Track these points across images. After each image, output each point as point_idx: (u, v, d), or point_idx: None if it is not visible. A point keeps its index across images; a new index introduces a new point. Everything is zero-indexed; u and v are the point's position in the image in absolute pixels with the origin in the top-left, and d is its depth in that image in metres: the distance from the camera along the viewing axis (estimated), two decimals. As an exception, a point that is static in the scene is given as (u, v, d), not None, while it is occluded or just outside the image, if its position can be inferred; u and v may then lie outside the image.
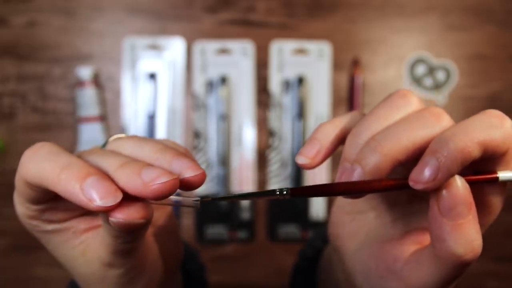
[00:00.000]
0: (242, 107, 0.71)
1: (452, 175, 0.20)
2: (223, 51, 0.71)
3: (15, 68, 0.70)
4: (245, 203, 0.71)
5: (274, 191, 0.21)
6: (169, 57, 0.71)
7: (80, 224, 0.24)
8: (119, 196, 0.19)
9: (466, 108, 0.73)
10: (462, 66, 0.73)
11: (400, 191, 0.21)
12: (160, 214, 0.29)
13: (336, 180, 0.22)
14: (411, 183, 0.20)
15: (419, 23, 0.73)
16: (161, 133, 0.70)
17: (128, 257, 0.24)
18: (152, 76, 0.70)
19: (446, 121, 0.22)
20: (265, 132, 0.71)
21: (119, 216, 0.19)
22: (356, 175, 0.21)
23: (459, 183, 0.20)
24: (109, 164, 0.20)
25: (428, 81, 0.73)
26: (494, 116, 0.22)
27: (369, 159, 0.21)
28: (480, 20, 0.73)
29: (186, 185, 0.21)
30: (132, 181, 0.19)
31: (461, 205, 0.20)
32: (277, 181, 0.71)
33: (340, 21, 0.72)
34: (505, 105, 0.73)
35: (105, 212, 0.19)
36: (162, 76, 0.71)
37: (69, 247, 0.24)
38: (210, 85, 0.71)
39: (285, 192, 0.21)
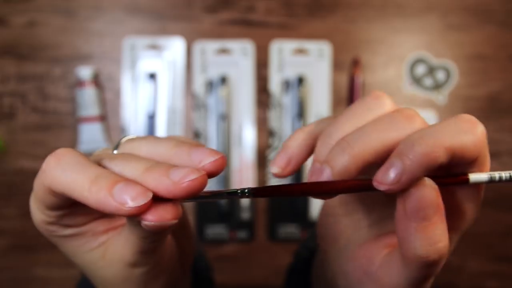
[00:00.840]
0: (242, 107, 0.71)
1: (416, 178, 0.20)
2: (223, 51, 0.71)
3: (15, 68, 0.70)
4: (245, 203, 0.71)
5: (235, 191, 0.21)
6: (169, 57, 0.71)
7: (98, 226, 0.24)
8: (150, 195, 0.19)
9: (466, 108, 0.73)
10: (462, 66, 0.73)
11: (370, 192, 0.21)
12: None
13: (307, 181, 0.22)
14: (375, 184, 0.20)
15: (419, 23, 0.73)
16: (161, 133, 0.70)
17: (153, 256, 0.24)
18: (152, 76, 0.70)
19: (418, 123, 0.22)
20: (265, 132, 0.71)
21: (151, 219, 0.19)
22: (325, 176, 0.21)
23: (426, 185, 0.20)
24: (134, 169, 0.21)
25: (428, 81, 0.73)
26: (466, 121, 0.21)
27: (338, 159, 0.21)
28: (480, 20, 0.73)
29: (210, 173, 0.21)
30: (162, 183, 0.20)
31: (426, 207, 0.20)
32: (277, 181, 0.71)
33: (340, 21, 0.72)
34: (505, 105, 0.73)
35: (138, 215, 0.19)
36: (162, 76, 0.71)
37: (87, 250, 0.24)
38: (210, 85, 0.71)
39: (246, 193, 0.21)
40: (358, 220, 0.26)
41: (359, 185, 0.21)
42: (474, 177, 0.21)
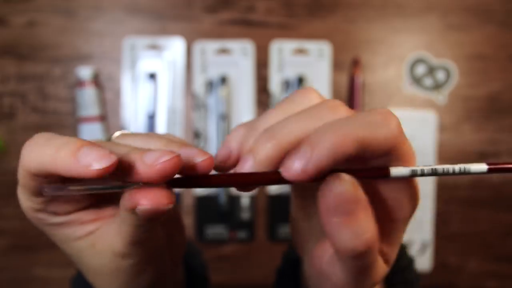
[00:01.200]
0: (242, 107, 0.71)
1: (323, 168, 0.19)
2: (223, 51, 0.71)
3: (15, 68, 0.70)
4: (245, 203, 0.71)
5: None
6: (169, 57, 0.71)
7: (86, 216, 0.24)
8: (114, 158, 0.19)
9: (466, 108, 0.73)
10: (462, 66, 0.73)
11: (284, 184, 0.21)
12: None
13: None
14: (283, 173, 0.20)
15: (419, 23, 0.73)
16: (161, 133, 0.70)
17: (143, 247, 0.24)
18: (152, 76, 0.70)
19: (340, 113, 0.22)
20: (265, 132, 0.71)
21: (146, 203, 0.20)
22: (248, 165, 0.21)
23: (342, 180, 0.19)
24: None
25: (428, 81, 0.73)
26: (380, 113, 0.21)
27: (261, 148, 0.21)
28: (480, 20, 0.73)
29: (197, 171, 0.22)
30: (137, 166, 0.20)
31: (345, 202, 0.19)
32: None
33: (340, 21, 0.72)
34: (505, 105, 0.73)
35: (101, 176, 0.19)
36: (162, 76, 0.71)
37: (76, 239, 0.24)
38: (210, 85, 0.71)
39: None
40: (315, 223, 0.26)
41: (268, 176, 0.21)
42: (395, 171, 0.21)
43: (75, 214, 0.24)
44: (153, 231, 0.23)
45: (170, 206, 0.20)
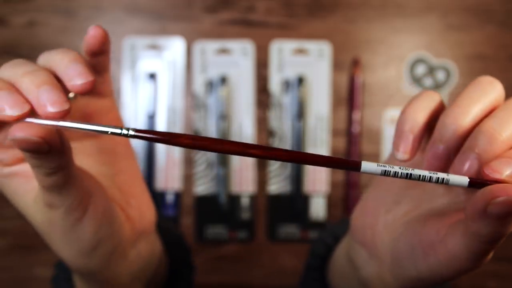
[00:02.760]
0: (242, 107, 0.71)
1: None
2: (223, 51, 0.71)
3: (15, 68, 0.70)
4: (245, 202, 0.71)
5: (119, 128, 0.22)
6: (169, 57, 0.71)
7: (29, 168, 0.25)
8: (27, 107, 0.20)
9: (466, 108, 0.73)
10: (462, 66, 0.73)
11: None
12: (116, 159, 0.29)
13: (426, 163, 0.23)
14: (489, 171, 0.20)
15: (419, 23, 0.73)
16: (161, 133, 0.70)
17: (63, 194, 0.24)
18: (152, 76, 0.70)
19: None
20: (265, 132, 0.71)
21: (16, 133, 0.20)
22: (472, 164, 0.21)
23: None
24: (16, 72, 0.23)
25: (428, 81, 0.73)
26: None
27: (485, 148, 0.21)
28: (480, 20, 0.73)
29: (77, 92, 0.22)
30: (30, 92, 0.21)
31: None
32: (277, 181, 0.71)
33: (340, 21, 0.72)
34: (505, 105, 0.73)
35: (11, 122, 0.20)
36: (162, 76, 0.71)
37: (22, 193, 0.25)
38: (210, 85, 0.71)
39: (128, 132, 0.21)
40: (419, 207, 0.26)
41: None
42: (366, 166, 0.21)
43: (21, 165, 0.25)
44: (65, 176, 0.23)
45: (39, 140, 0.20)
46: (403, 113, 0.24)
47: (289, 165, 0.71)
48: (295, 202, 0.71)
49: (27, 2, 0.70)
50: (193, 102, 0.71)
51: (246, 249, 0.72)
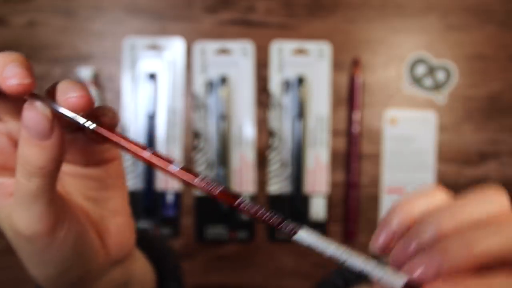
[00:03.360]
0: (242, 107, 0.71)
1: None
2: (223, 51, 0.71)
3: (15, 68, 0.70)
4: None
5: (83, 122, 0.24)
6: (169, 57, 0.71)
7: (8, 183, 0.25)
8: None
9: (466, 108, 0.73)
10: (462, 66, 0.73)
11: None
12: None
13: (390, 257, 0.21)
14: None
15: (419, 23, 0.73)
16: (161, 133, 0.70)
17: (34, 210, 0.23)
18: (152, 76, 0.70)
19: None
20: (265, 132, 0.71)
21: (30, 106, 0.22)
22: (436, 264, 0.19)
23: None
24: None
25: (428, 81, 0.73)
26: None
27: (456, 253, 0.19)
28: (480, 20, 0.73)
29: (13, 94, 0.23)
30: None
31: None
32: (277, 181, 0.71)
33: (340, 21, 0.72)
34: (505, 105, 0.73)
35: None
36: (162, 76, 0.71)
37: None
38: (210, 85, 0.71)
39: (91, 129, 0.24)
40: None
41: None
42: (302, 234, 0.21)
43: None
44: (44, 184, 0.23)
45: (47, 116, 0.22)
46: (399, 206, 0.22)
47: (289, 165, 0.71)
48: (295, 202, 0.71)
49: (27, 2, 0.70)
50: (193, 102, 0.71)
51: (246, 249, 0.72)
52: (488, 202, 0.21)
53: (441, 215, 0.20)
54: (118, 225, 0.29)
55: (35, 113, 0.22)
